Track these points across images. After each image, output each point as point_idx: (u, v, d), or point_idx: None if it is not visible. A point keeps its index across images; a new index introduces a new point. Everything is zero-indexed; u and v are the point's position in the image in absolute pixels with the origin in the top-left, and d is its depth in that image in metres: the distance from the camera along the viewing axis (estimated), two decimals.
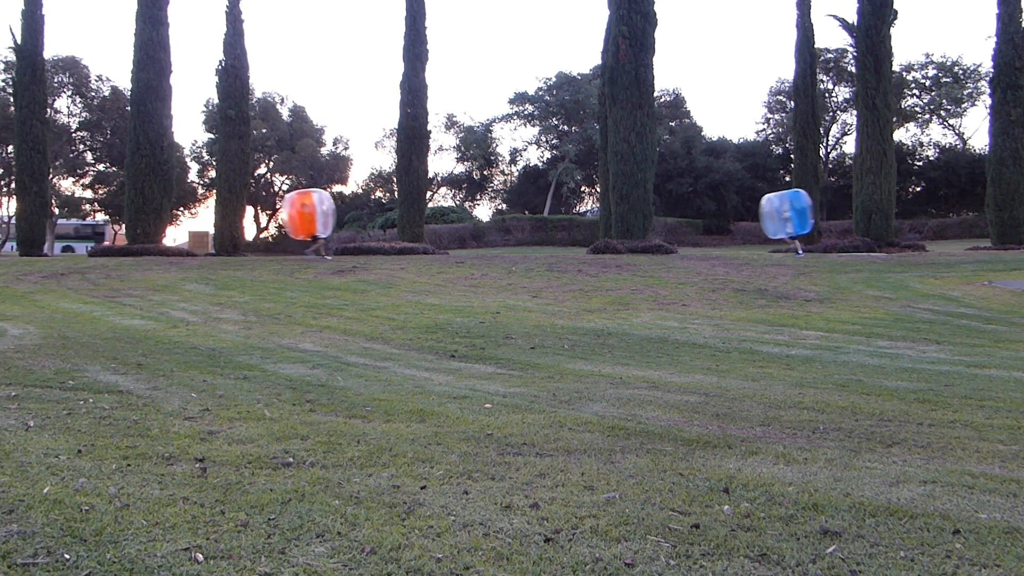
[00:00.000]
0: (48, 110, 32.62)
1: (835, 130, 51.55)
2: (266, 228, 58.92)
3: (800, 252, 22.19)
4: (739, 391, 6.39)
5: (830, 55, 47.98)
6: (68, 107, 49.78)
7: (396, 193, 29.08)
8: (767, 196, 23.27)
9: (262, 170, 55.10)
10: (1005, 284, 15.02)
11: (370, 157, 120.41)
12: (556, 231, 42.81)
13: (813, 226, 23.20)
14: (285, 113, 56.81)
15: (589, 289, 15.46)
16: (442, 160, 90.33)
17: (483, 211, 62.85)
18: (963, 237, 37.55)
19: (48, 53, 31.46)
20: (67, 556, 2.82)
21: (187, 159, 53.81)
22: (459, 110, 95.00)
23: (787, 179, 44.05)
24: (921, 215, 43.91)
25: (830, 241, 26.48)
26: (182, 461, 4.13)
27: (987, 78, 33.31)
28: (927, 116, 51.34)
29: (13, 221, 34.46)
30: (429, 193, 43.56)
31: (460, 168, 60.54)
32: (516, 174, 60.77)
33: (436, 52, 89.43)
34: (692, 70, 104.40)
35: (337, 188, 59.59)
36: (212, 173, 48.53)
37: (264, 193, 56.80)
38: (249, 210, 50.04)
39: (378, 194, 59.92)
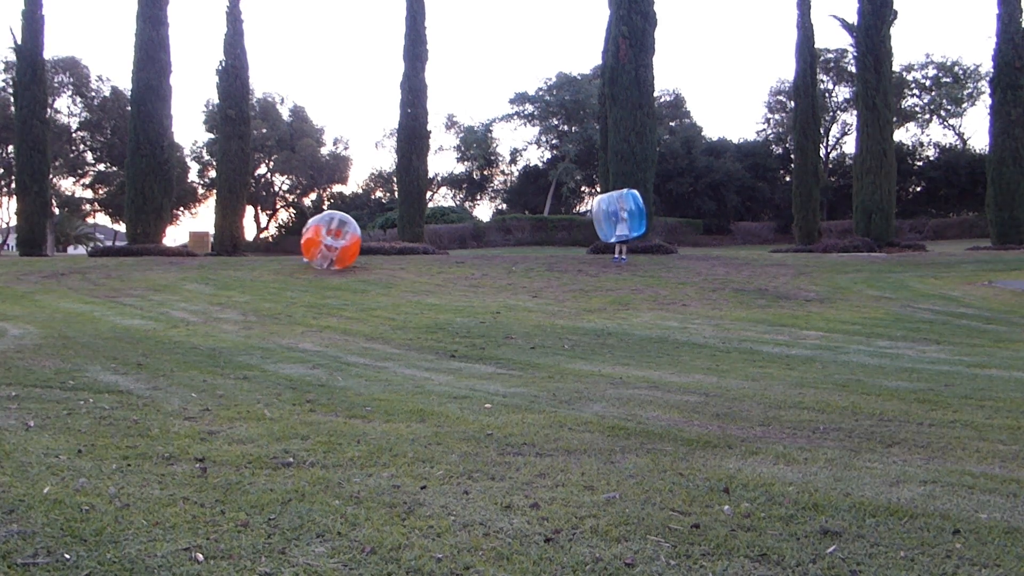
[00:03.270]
0: (48, 110, 32.62)
1: (835, 130, 51.55)
2: (266, 228, 58.93)
3: (623, 258, 20.07)
4: (739, 391, 6.39)
5: (830, 55, 47.95)
6: (68, 107, 49.83)
7: (396, 193, 29.08)
8: (597, 198, 21.05)
9: (262, 170, 55.09)
10: (1005, 284, 15.02)
11: (370, 157, 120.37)
12: (556, 231, 42.78)
13: (647, 231, 21.17)
14: (285, 113, 56.80)
15: (589, 289, 15.46)
16: (442, 160, 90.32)
17: (483, 211, 62.88)
18: (963, 237, 37.53)
19: (48, 53, 31.50)
20: (67, 556, 2.82)
21: (187, 159, 53.80)
22: (459, 110, 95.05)
23: (787, 179, 44.04)
24: (921, 215, 43.88)
25: (830, 241, 26.47)
26: (182, 461, 4.13)
27: (987, 78, 33.32)
28: (927, 116, 51.33)
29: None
30: (429, 193, 43.49)
31: (460, 168, 60.54)
32: (516, 174, 60.76)
33: (436, 52, 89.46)
34: (692, 70, 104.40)
35: (337, 188, 59.63)
36: (212, 173, 48.52)
37: (264, 193, 56.80)
38: (249, 210, 50.02)
39: (378, 194, 59.90)
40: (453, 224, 44.13)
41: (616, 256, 20.38)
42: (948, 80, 48.62)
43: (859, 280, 16.14)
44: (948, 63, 48.89)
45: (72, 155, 50.19)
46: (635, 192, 20.58)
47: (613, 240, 20.59)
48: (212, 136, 49.02)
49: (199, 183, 55.20)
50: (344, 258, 18.66)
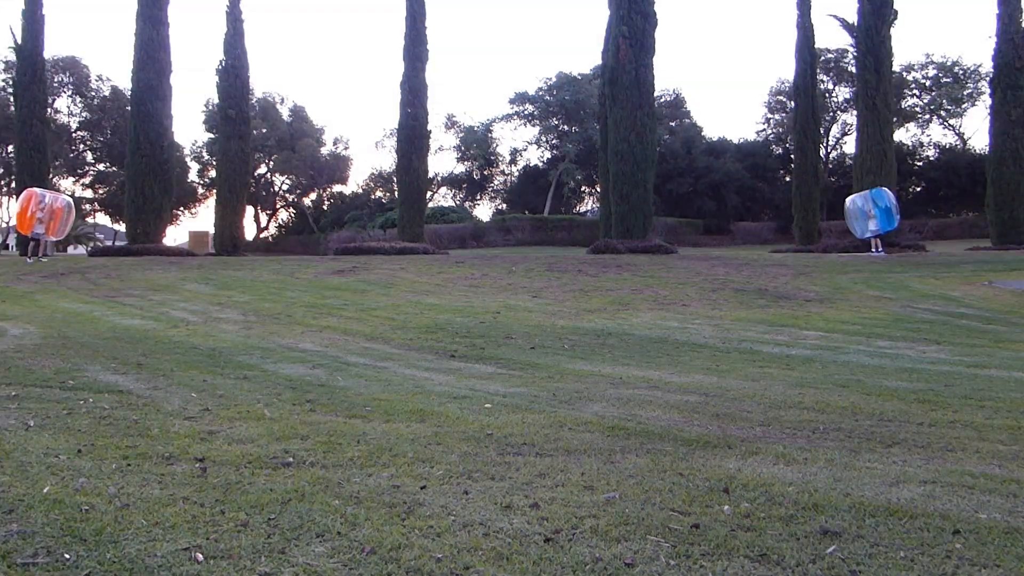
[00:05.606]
0: (48, 110, 32.65)
1: (835, 130, 51.56)
2: (266, 228, 58.96)
3: (877, 251, 22.06)
4: (739, 391, 6.39)
5: (830, 55, 47.93)
6: (68, 107, 49.85)
7: (396, 193, 29.11)
8: (850, 197, 23.40)
9: (262, 170, 55.10)
10: (1005, 284, 15.01)
11: (370, 157, 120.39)
12: (556, 231, 42.77)
13: (899, 222, 23.21)
14: (285, 113, 56.81)
15: (589, 289, 15.46)
16: (442, 160, 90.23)
17: (483, 211, 62.85)
18: (963, 237, 37.51)
19: (48, 53, 31.52)
20: (67, 556, 2.82)
21: (187, 159, 53.83)
22: (459, 110, 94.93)
23: (787, 179, 44.01)
24: (921, 215, 43.85)
25: (830, 241, 26.48)
26: (182, 461, 4.13)
27: (987, 78, 33.32)
28: (927, 116, 51.34)
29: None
30: (429, 193, 43.53)
31: (460, 168, 60.53)
32: (516, 174, 60.75)
33: (436, 52, 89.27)
34: (692, 70, 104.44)
35: (337, 188, 59.67)
36: (212, 173, 48.52)
37: (264, 193, 56.82)
38: (249, 210, 50.02)
39: (378, 194, 59.90)
40: (453, 224, 44.14)
41: (873, 251, 21.88)
42: (948, 80, 48.63)
43: (859, 280, 16.14)
44: (948, 63, 48.90)
45: (72, 155, 50.20)
46: (884, 190, 22.12)
47: (868, 236, 22.33)
48: (212, 136, 49.02)
49: (199, 183, 55.23)
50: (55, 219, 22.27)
